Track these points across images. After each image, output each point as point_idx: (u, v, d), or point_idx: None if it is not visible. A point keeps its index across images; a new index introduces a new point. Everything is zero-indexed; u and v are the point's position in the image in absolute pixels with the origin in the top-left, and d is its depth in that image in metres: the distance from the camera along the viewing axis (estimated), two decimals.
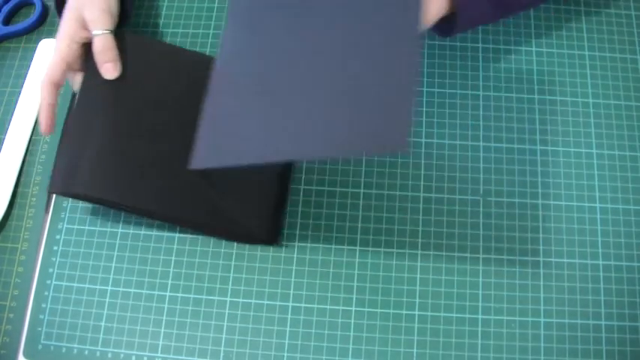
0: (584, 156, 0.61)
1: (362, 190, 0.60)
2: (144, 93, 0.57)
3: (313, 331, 0.55)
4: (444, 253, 0.57)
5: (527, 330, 0.55)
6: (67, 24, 0.56)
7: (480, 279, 0.57)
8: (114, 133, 0.55)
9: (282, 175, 0.59)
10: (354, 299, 0.56)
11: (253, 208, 0.56)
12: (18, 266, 0.59)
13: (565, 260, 0.57)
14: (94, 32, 0.55)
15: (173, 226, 0.59)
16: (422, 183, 0.60)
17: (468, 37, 0.65)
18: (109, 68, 0.56)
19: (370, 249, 0.58)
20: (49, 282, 0.58)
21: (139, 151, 0.55)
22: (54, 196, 0.61)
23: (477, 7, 0.55)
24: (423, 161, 0.61)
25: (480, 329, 0.55)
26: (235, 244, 0.58)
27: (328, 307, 0.56)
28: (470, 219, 0.58)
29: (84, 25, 0.56)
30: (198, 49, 0.66)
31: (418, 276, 0.57)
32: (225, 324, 0.56)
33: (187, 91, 0.57)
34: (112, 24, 0.56)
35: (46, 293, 0.57)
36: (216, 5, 0.68)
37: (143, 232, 0.59)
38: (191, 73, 0.58)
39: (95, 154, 0.54)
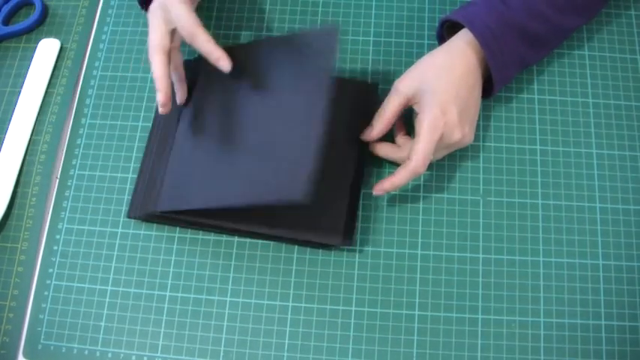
0: (584, 156, 0.61)
1: (362, 191, 0.59)
2: (220, 110, 0.59)
3: (313, 331, 0.55)
4: (443, 253, 0.57)
5: (527, 330, 0.55)
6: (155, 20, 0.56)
7: (480, 279, 0.57)
8: (190, 152, 0.58)
9: (354, 184, 0.58)
10: (354, 299, 0.56)
11: (329, 217, 0.56)
12: (18, 266, 0.59)
13: (565, 260, 0.57)
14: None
15: (172, 226, 0.59)
16: (422, 183, 0.60)
17: None
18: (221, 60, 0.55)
19: (370, 249, 0.58)
20: (48, 282, 0.58)
21: (217, 170, 0.56)
22: (54, 196, 0.61)
23: (508, 70, 0.58)
24: None
25: (479, 329, 0.55)
26: (235, 244, 0.58)
27: (328, 307, 0.56)
28: (470, 219, 0.58)
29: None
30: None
31: (418, 276, 0.57)
32: (225, 324, 0.56)
33: (260, 102, 0.59)
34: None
35: (46, 293, 0.57)
36: (216, 5, 0.68)
37: (143, 232, 0.59)
38: (264, 80, 0.60)
39: (173, 173, 0.57)
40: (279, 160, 0.54)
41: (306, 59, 0.57)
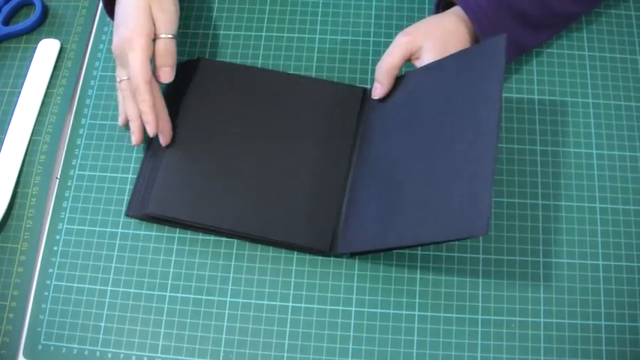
0: (584, 156, 0.61)
1: None
2: (218, 114, 0.60)
3: (313, 331, 0.55)
4: (443, 253, 0.57)
5: (527, 330, 0.55)
6: (142, 19, 0.54)
7: (480, 279, 0.57)
8: (184, 153, 0.58)
9: (342, 188, 0.58)
10: (354, 299, 0.56)
11: (318, 222, 0.56)
12: (18, 266, 0.59)
13: (565, 260, 0.57)
14: (162, 35, 0.55)
15: (173, 227, 0.59)
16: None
17: None
18: (167, 72, 0.56)
19: None
20: (48, 282, 0.58)
21: (212, 171, 0.58)
22: (54, 196, 0.61)
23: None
24: None
25: (479, 329, 0.55)
26: (235, 244, 0.58)
27: (328, 307, 0.56)
28: None
29: (153, 24, 0.55)
30: (197, 50, 0.66)
31: (418, 276, 0.57)
32: (225, 324, 0.56)
33: (255, 111, 0.60)
34: (176, 28, 0.57)
35: (46, 293, 0.57)
36: (215, 5, 0.68)
37: (143, 232, 0.59)
38: (257, 92, 0.61)
39: (166, 174, 0.57)
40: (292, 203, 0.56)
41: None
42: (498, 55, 0.49)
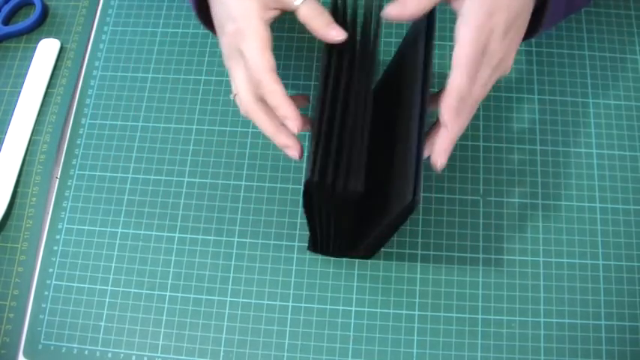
0: (584, 156, 0.61)
1: None
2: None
3: (313, 331, 0.55)
4: (443, 253, 0.57)
5: (527, 330, 0.55)
6: (248, 3, 0.44)
7: (480, 279, 0.57)
8: None
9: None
10: (354, 299, 0.56)
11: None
12: (18, 266, 0.59)
13: (565, 260, 0.57)
14: (296, 2, 0.44)
15: (173, 226, 0.59)
16: (422, 183, 0.60)
17: None
18: (335, 30, 0.44)
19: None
20: (49, 282, 0.58)
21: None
22: (54, 196, 0.61)
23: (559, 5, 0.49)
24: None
25: (479, 329, 0.55)
26: (235, 244, 0.58)
27: (328, 307, 0.56)
28: (470, 219, 0.58)
29: (267, 3, 0.44)
30: (197, 50, 0.66)
31: (418, 276, 0.57)
32: (225, 324, 0.56)
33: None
34: None
35: (46, 293, 0.57)
36: None
37: (143, 232, 0.59)
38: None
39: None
40: None
41: None
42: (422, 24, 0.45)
